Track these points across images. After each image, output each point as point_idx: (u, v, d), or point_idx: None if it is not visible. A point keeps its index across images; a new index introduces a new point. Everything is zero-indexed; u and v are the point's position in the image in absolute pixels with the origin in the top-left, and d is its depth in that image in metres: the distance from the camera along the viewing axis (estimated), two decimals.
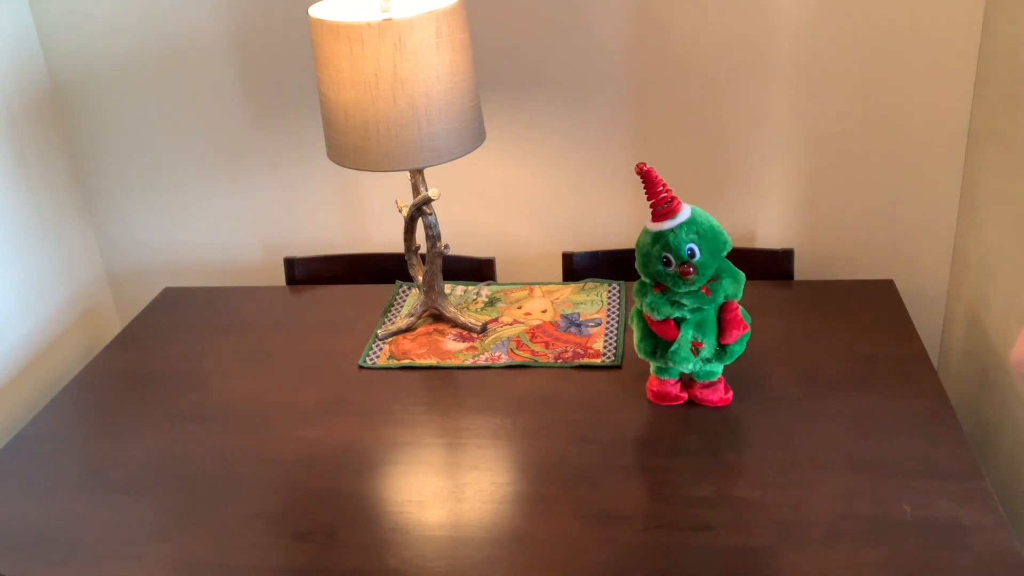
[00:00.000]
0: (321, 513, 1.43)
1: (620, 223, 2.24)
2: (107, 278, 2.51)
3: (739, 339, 1.54)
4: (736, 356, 1.57)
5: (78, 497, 1.51)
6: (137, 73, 2.24)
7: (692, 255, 1.48)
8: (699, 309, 1.52)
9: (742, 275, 1.55)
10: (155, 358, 1.90)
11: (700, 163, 2.14)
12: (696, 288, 1.50)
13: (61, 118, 2.31)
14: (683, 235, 1.48)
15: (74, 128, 2.33)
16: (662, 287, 1.53)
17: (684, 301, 1.51)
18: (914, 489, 1.36)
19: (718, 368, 1.60)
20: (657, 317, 1.53)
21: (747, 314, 1.56)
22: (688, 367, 1.57)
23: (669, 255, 1.48)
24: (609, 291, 2.00)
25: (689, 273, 1.47)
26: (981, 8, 1.91)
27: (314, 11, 1.67)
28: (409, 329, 1.91)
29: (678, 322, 1.53)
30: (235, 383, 1.79)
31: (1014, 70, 1.76)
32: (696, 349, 1.54)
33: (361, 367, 1.80)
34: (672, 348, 1.54)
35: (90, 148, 2.35)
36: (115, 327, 2.53)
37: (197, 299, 2.13)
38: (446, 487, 1.46)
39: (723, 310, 1.54)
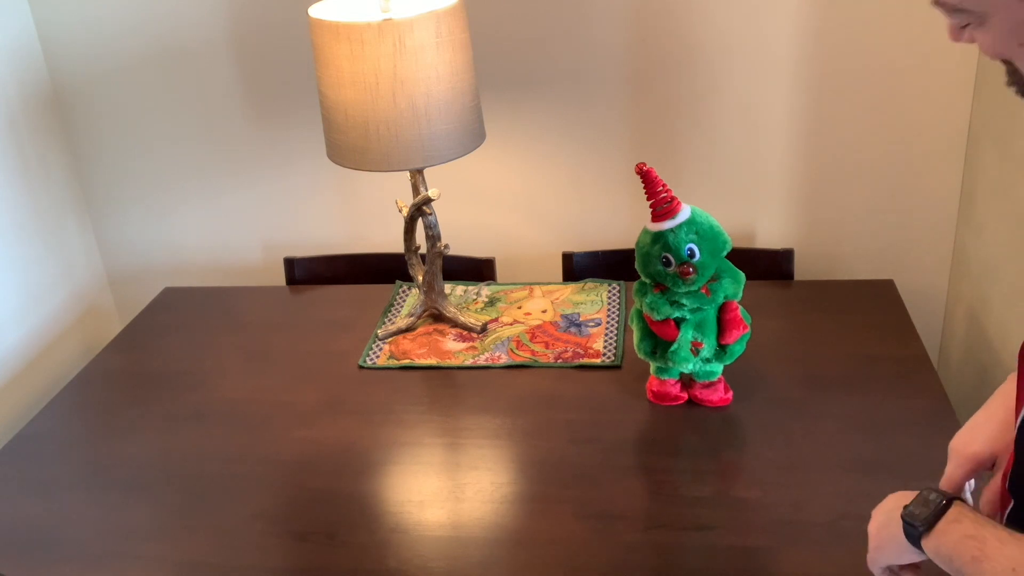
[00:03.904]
0: (321, 513, 1.43)
1: (620, 223, 2.24)
2: (107, 278, 2.51)
3: (739, 339, 1.54)
4: (736, 356, 1.57)
5: (78, 497, 1.51)
6: (137, 73, 2.24)
7: (692, 255, 1.48)
8: (699, 309, 1.52)
9: (742, 275, 1.54)
10: (155, 358, 1.90)
11: (700, 163, 2.14)
12: (696, 288, 1.50)
13: (61, 118, 2.31)
14: (683, 235, 1.48)
15: (74, 128, 2.33)
16: (662, 287, 1.53)
17: (684, 301, 1.50)
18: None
19: (718, 368, 1.60)
20: (657, 317, 1.53)
21: (747, 314, 1.56)
22: (688, 367, 1.57)
23: (669, 255, 1.48)
24: (609, 291, 2.00)
25: (689, 273, 1.47)
26: None
27: (314, 11, 1.67)
28: (409, 329, 1.91)
29: (678, 322, 1.53)
30: (235, 383, 1.79)
31: None
32: (696, 349, 1.54)
33: (361, 367, 1.80)
34: (672, 348, 1.54)
35: (90, 148, 2.35)
36: (115, 327, 2.53)
37: (197, 299, 2.13)
38: (446, 487, 1.46)
39: (723, 310, 1.54)
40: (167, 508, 1.46)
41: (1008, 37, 0.93)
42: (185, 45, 2.19)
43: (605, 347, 1.80)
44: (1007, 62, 0.99)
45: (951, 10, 0.99)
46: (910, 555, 0.90)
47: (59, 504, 1.49)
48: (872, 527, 0.97)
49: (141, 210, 2.40)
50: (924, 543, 0.87)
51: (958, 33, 0.96)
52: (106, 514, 1.46)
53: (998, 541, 0.81)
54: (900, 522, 0.89)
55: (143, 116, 2.29)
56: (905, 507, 0.89)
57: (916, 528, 0.87)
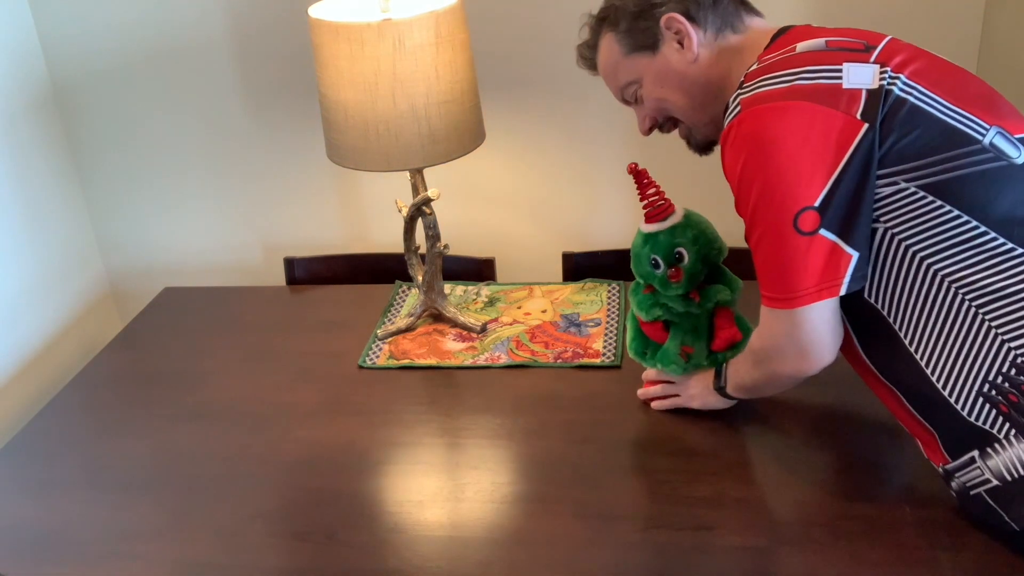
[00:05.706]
0: (321, 513, 1.43)
1: (620, 223, 2.24)
2: (107, 278, 2.51)
3: (731, 346, 1.52)
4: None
5: (78, 497, 1.51)
6: (137, 73, 2.24)
7: (680, 258, 1.47)
8: (688, 314, 1.51)
9: (739, 282, 1.53)
10: (155, 358, 1.90)
11: (700, 163, 2.14)
12: (683, 292, 1.49)
13: (61, 118, 2.32)
14: (672, 238, 1.46)
15: (74, 128, 2.33)
16: (652, 288, 1.52)
17: (672, 304, 1.50)
18: (914, 489, 1.36)
19: None
20: (645, 318, 1.52)
21: (745, 320, 1.55)
22: (676, 371, 1.55)
23: (657, 257, 1.47)
24: (609, 291, 2.00)
25: (675, 277, 1.46)
26: (981, 8, 1.91)
27: (314, 11, 1.67)
28: (409, 329, 1.91)
29: (667, 325, 1.53)
30: (235, 383, 1.79)
31: (1014, 70, 1.76)
32: (686, 354, 1.52)
33: (361, 367, 1.80)
34: (660, 351, 1.53)
35: (90, 148, 2.35)
36: (115, 327, 2.53)
37: (197, 299, 2.13)
38: (446, 487, 1.46)
39: (715, 316, 1.52)
40: (167, 508, 1.46)
41: (656, 88, 1.27)
42: (185, 45, 2.19)
43: (605, 347, 1.80)
44: (673, 125, 1.38)
45: (619, 89, 1.35)
46: (724, 403, 1.53)
47: (59, 504, 1.49)
48: (696, 404, 1.55)
49: (141, 210, 2.40)
50: (731, 394, 1.48)
51: (643, 123, 1.36)
52: (106, 514, 1.46)
53: (735, 365, 1.43)
54: (718, 395, 1.50)
55: (143, 116, 2.29)
56: (717, 386, 1.48)
57: (729, 395, 1.48)
